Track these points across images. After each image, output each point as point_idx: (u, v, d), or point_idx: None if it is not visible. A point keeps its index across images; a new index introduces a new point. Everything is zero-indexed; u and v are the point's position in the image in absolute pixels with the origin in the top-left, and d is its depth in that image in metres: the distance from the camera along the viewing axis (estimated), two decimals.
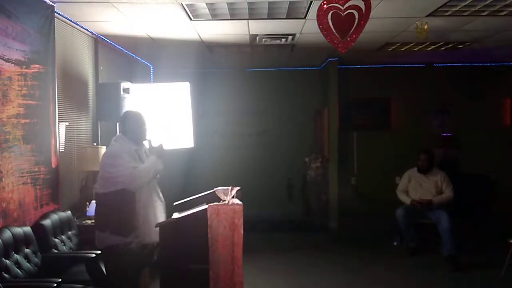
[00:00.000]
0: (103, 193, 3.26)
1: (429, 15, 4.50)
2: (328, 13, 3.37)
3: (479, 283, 4.82)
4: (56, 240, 3.68)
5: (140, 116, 3.52)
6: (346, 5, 3.34)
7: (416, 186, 5.86)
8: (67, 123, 4.36)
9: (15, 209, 3.34)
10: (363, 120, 7.77)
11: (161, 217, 3.46)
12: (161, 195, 3.56)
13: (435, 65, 7.57)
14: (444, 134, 7.52)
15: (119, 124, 3.65)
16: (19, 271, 3.09)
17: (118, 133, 3.72)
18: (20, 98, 3.41)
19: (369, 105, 7.74)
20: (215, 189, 3.34)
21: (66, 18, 4.37)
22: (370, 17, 3.41)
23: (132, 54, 6.35)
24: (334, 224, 7.23)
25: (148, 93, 5.30)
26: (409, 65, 7.58)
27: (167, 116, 5.22)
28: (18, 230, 3.21)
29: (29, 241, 3.30)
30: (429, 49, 6.28)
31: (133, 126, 3.45)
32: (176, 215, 3.41)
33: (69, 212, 4.01)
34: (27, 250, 3.26)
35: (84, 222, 4.28)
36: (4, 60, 3.20)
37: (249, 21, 4.74)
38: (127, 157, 3.29)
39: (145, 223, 3.31)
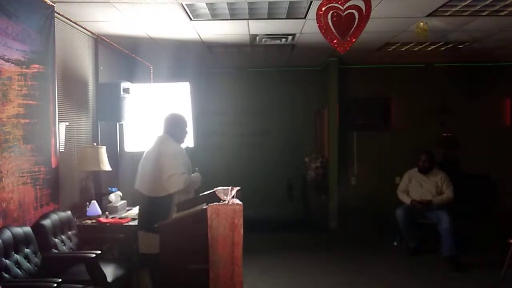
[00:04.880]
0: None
1: (429, 15, 4.50)
2: (328, 13, 3.36)
3: (479, 283, 4.81)
4: (56, 240, 3.67)
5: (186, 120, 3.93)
6: (346, 5, 3.33)
7: (417, 186, 5.85)
8: (67, 123, 4.36)
9: (15, 209, 3.33)
10: (363, 120, 7.77)
11: None
12: None
13: (435, 65, 7.57)
14: (444, 134, 7.52)
15: (166, 124, 3.88)
16: (19, 271, 3.08)
17: (163, 134, 3.90)
18: (20, 98, 3.41)
19: (369, 105, 7.74)
20: (215, 189, 3.34)
21: (66, 18, 4.37)
22: (370, 17, 3.41)
23: (132, 54, 6.35)
24: (334, 224, 7.24)
25: (148, 93, 5.31)
26: (409, 65, 7.58)
27: None
28: (18, 230, 3.21)
29: (29, 241, 3.29)
30: (429, 49, 6.28)
31: (181, 130, 3.87)
32: (176, 215, 3.41)
33: (69, 212, 4.00)
34: (27, 250, 3.25)
35: (84, 222, 4.27)
36: (4, 60, 3.20)
37: (249, 21, 4.74)
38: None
39: None
